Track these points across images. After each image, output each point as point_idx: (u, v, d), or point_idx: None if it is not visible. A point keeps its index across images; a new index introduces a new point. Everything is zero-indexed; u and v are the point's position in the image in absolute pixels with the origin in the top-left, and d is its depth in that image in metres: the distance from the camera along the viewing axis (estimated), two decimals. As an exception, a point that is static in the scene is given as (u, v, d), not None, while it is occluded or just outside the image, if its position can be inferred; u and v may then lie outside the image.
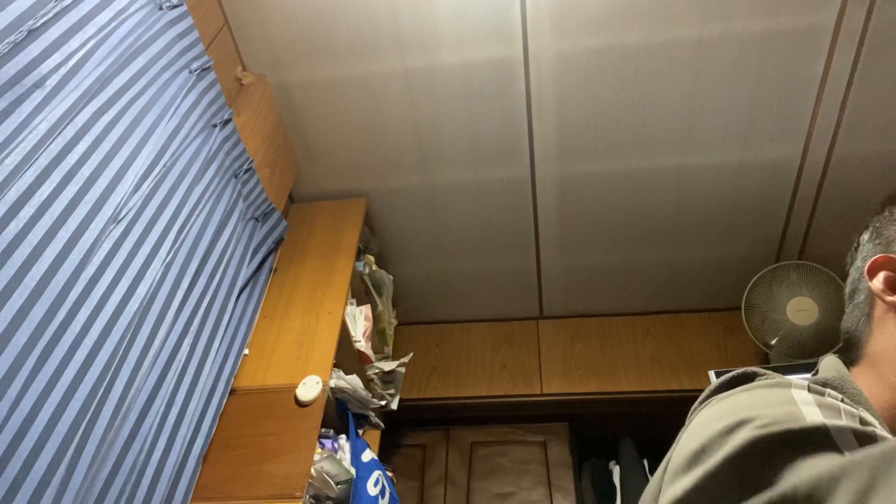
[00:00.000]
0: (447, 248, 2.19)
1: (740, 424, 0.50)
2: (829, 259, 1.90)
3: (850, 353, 0.63)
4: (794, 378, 0.56)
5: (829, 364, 0.61)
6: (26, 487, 0.88)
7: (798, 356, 1.87)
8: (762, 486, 0.47)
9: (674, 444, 0.58)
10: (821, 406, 0.50)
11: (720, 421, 0.52)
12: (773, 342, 1.91)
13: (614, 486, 2.08)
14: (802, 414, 0.50)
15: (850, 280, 0.66)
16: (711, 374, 1.80)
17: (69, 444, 0.95)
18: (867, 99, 1.70)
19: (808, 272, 1.89)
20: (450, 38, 1.69)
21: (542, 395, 2.18)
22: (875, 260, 0.62)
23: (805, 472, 0.45)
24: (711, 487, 0.50)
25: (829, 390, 0.53)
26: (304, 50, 1.75)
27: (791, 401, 0.51)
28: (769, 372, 0.57)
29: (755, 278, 1.94)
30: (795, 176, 1.89)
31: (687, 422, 0.60)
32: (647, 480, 2.16)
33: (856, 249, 0.68)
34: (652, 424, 2.15)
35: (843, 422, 0.49)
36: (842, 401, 0.52)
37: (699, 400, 0.61)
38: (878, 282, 0.61)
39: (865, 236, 0.67)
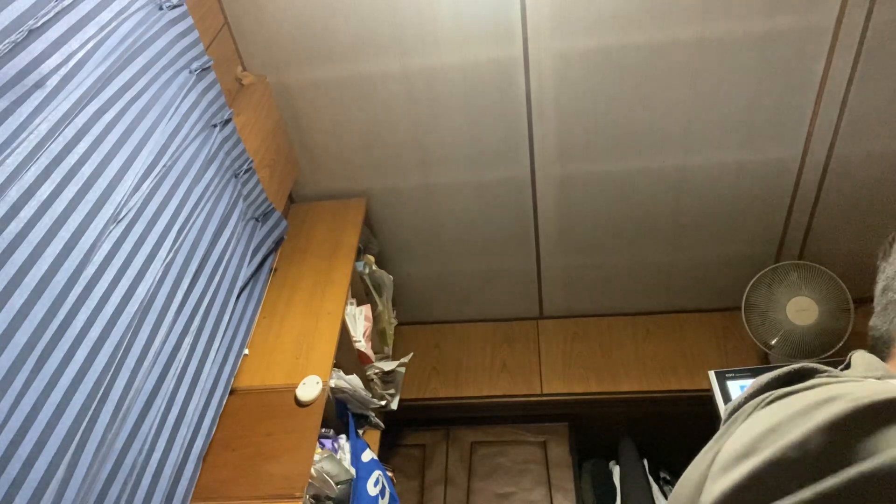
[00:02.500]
0: (447, 248, 2.19)
1: (828, 401, 0.46)
2: (830, 259, 1.91)
3: (880, 350, 0.60)
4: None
5: (873, 363, 0.57)
6: (27, 487, 0.88)
7: (798, 356, 1.87)
8: (858, 454, 0.42)
9: (712, 442, 0.55)
10: None
11: (796, 405, 0.48)
12: (773, 342, 1.91)
13: (614, 486, 2.08)
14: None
15: (882, 276, 0.63)
16: (711, 374, 1.80)
17: (69, 443, 0.95)
18: (867, 99, 1.70)
19: (808, 272, 1.89)
20: (450, 38, 1.69)
21: (542, 395, 2.18)
22: None
23: None
24: (787, 463, 0.44)
25: None
26: (304, 50, 1.75)
27: (882, 383, 0.49)
28: (830, 368, 0.54)
29: (755, 278, 1.94)
30: (795, 176, 1.89)
31: (727, 418, 0.57)
32: (647, 480, 2.16)
33: (890, 245, 0.64)
34: (652, 424, 2.15)
35: None
36: None
37: (745, 395, 0.57)
38: None
39: None
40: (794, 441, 0.45)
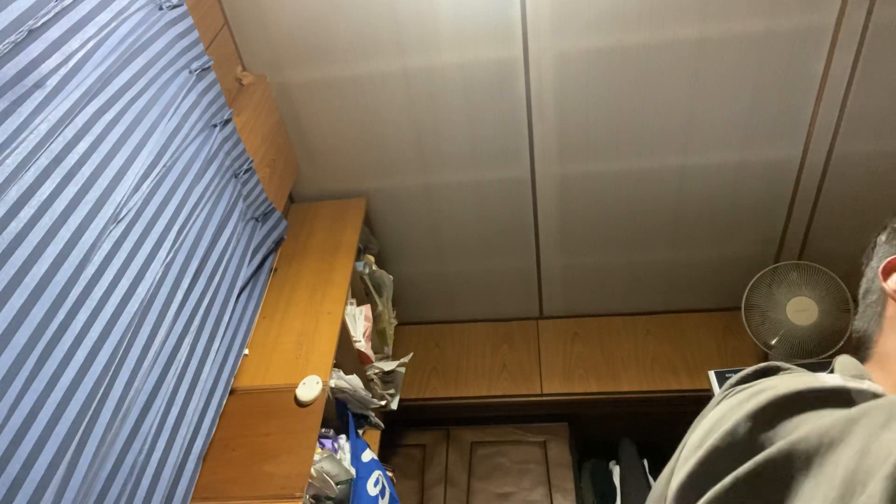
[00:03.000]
0: (447, 248, 2.19)
1: (759, 392, 0.51)
2: (830, 259, 1.90)
3: (861, 351, 0.63)
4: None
5: (847, 364, 0.61)
6: (27, 487, 0.88)
7: (798, 356, 1.87)
8: (774, 438, 0.47)
9: (685, 438, 0.58)
10: (844, 379, 0.51)
11: (739, 399, 0.53)
12: (773, 342, 1.91)
13: (614, 486, 2.08)
14: (824, 379, 0.51)
15: (864, 280, 0.67)
16: (711, 374, 1.80)
17: (69, 443, 0.95)
18: (867, 99, 1.70)
19: (808, 272, 1.89)
20: (450, 38, 1.69)
21: (541, 395, 2.18)
22: (890, 261, 0.62)
23: (819, 421, 0.46)
24: (723, 449, 0.49)
25: None
26: (304, 50, 1.75)
27: (815, 377, 0.53)
28: (792, 366, 0.58)
29: (755, 278, 1.94)
30: (795, 176, 1.89)
31: (703, 414, 0.60)
32: (647, 480, 2.17)
33: (872, 249, 0.67)
34: (652, 424, 2.15)
35: (864, 385, 0.49)
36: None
37: (720, 393, 0.61)
38: (892, 282, 0.61)
39: (883, 237, 0.66)
40: (726, 430, 0.50)
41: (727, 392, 0.59)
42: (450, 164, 1.95)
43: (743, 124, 1.78)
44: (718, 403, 0.58)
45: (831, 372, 0.62)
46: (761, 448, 0.47)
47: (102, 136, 1.10)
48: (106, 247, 1.08)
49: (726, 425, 0.50)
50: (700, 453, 0.51)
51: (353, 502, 1.52)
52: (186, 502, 1.26)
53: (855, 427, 0.43)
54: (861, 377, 0.56)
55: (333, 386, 1.62)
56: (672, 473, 0.56)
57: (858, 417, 0.44)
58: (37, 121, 0.96)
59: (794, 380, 0.52)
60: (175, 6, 1.34)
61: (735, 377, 0.60)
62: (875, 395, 0.48)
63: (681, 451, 0.57)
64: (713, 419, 0.54)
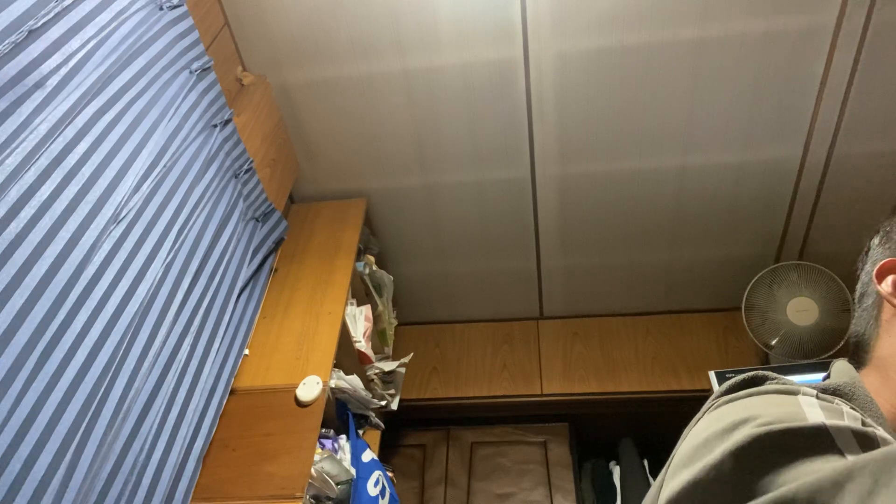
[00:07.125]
0: (447, 248, 2.19)
1: (743, 422, 0.51)
2: (830, 259, 1.90)
3: (859, 356, 0.63)
4: (803, 386, 0.56)
5: (842, 369, 0.61)
6: (27, 487, 0.88)
7: (798, 356, 1.87)
8: (761, 487, 0.46)
9: (678, 444, 0.58)
10: (824, 408, 0.51)
11: (724, 420, 0.53)
12: (773, 342, 1.91)
13: (614, 486, 2.08)
14: (804, 414, 0.50)
15: (859, 283, 0.67)
16: (711, 374, 1.80)
17: (69, 444, 0.95)
18: (867, 99, 1.70)
19: (808, 272, 1.89)
20: (450, 38, 1.69)
21: (542, 395, 2.18)
22: (884, 264, 0.62)
23: (805, 475, 0.45)
24: (708, 482, 0.49)
25: (836, 399, 0.53)
26: (304, 50, 1.75)
27: (796, 403, 0.52)
28: (780, 376, 0.57)
29: (755, 278, 1.94)
30: (795, 176, 1.89)
31: (693, 421, 0.60)
32: (648, 480, 2.17)
33: (866, 253, 0.67)
34: (652, 424, 2.15)
35: (844, 422, 0.48)
36: (850, 408, 0.52)
37: (709, 401, 0.61)
38: (886, 285, 0.61)
39: (876, 240, 0.66)
40: (711, 463, 0.50)
41: (714, 402, 0.59)
42: (450, 164, 1.95)
43: (743, 124, 1.78)
44: (705, 414, 0.58)
45: (827, 377, 0.62)
46: (747, 493, 0.47)
47: (103, 137, 1.10)
48: (106, 247, 1.08)
49: (710, 457, 0.50)
50: (685, 479, 0.51)
51: (353, 502, 1.52)
52: (186, 502, 1.26)
53: (843, 493, 0.43)
54: (854, 389, 0.56)
55: (333, 386, 1.62)
56: (664, 478, 0.56)
57: (845, 481, 0.43)
58: (37, 121, 0.96)
59: (777, 408, 0.52)
60: (175, 6, 1.34)
61: (723, 386, 0.59)
62: (853, 433, 0.47)
63: (671, 461, 0.57)
64: (699, 435, 0.54)
